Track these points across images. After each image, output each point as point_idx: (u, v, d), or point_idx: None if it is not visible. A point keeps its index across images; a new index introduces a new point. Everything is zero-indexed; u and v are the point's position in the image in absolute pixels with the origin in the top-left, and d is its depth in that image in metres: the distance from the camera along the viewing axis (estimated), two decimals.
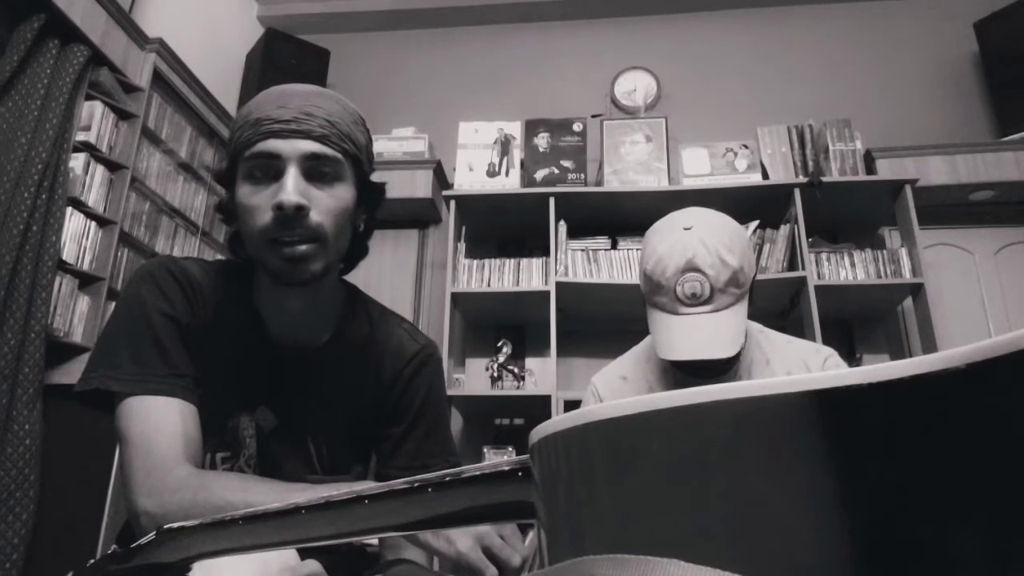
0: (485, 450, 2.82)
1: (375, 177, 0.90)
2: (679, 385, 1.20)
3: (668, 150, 2.94)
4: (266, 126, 0.77)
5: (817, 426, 0.16)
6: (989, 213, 3.06)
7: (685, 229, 1.09)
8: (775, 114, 3.15)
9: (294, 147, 0.77)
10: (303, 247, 0.77)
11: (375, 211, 0.91)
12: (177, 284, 0.82)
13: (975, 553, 0.14)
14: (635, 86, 3.45)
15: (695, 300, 1.06)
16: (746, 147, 2.91)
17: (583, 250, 2.84)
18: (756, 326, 1.27)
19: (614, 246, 2.89)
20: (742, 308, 1.07)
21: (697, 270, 1.05)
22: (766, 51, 3.48)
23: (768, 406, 0.16)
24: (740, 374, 1.20)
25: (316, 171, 0.79)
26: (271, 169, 0.78)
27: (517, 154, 2.99)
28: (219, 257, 2.54)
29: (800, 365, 1.19)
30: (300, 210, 0.76)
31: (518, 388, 2.89)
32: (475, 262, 2.85)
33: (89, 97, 2.36)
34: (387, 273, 3.18)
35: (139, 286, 0.81)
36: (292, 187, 0.76)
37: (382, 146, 3.14)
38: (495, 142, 3.00)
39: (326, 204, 0.79)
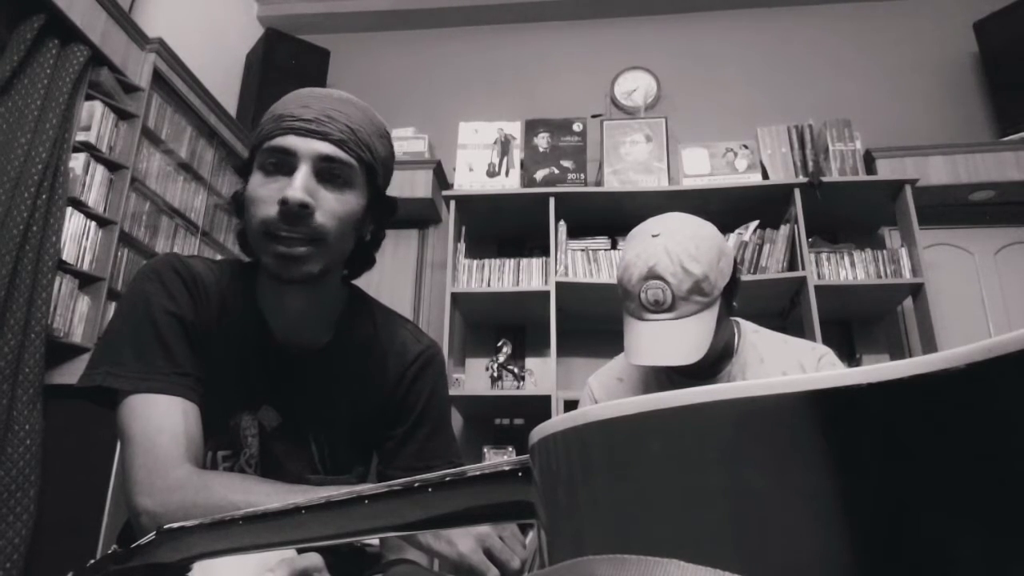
0: (485, 450, 2.82)
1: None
2: (675, 386, 1.20)
3: (668, 150, 2.94)
4: (287, 122, 0.78)
5: (817, 426, 0.16)
6: (989, 213, 3.06)
7: (653, 236, 1.09)
8: (775, 114, 3.15)
9: (310, 146, 0.78)
10: (301, 248, 0.77)
11: (384, 224, 0.91)
12: (182, 282, 0.82)
13: (975, 553, 0.14)
14: (635, 86, 3.45)
15: (658, 307, 1.07)
16: (746, 147, 2.91)
17: (583, 250, 2.84)
18: (751, 326, 1.27)
19: (614, 246, 2.89)
20: (708, 315, 1.07)
21: (659, 278, 1.06)
22: (766, 51, 3.48)
23: (768, 406, 0.16)
24: (734, 374, 1.20)
25: (328, 173, 0.79)
26: (284, 164, 0.78)
27: (517, 154, 2.99)
28: (219, 257, 2.53)
29: (795, 364, 1.19)
30: (305, 208, 0.76)
31: (518, 388, 2.89)
32: (475, 262, 2.85)
33: (89, 97, 2.36)
34: (387, 273, 3.17)
35: (144, 283, 0.81)
36: (300, 184, 0.76)
37: None
38: (495, 142, 3.00)
39: (332, 207, 0.79)
